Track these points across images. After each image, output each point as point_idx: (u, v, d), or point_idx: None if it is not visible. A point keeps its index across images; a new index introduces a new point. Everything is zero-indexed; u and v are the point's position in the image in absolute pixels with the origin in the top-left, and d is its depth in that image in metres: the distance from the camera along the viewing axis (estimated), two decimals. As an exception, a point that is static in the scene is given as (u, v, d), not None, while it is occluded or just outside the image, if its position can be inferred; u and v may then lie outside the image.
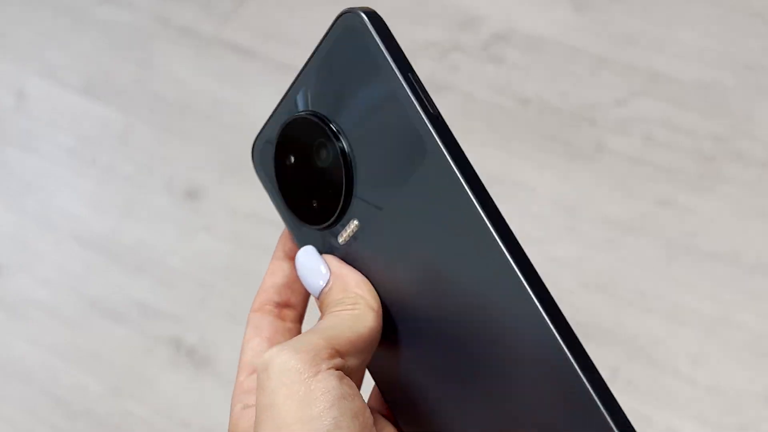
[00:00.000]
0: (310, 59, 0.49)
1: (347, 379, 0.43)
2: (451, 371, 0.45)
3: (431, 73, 1.53)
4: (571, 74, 1.50)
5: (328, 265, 0.49)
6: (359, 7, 0.46)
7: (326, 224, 0.49)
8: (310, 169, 0.49)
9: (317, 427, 0.41)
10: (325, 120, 0.47)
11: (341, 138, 0.47)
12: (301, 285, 0.52)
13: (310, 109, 0.48)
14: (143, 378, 1.32)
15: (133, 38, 1.66)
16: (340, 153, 0.47)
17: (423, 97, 0.44)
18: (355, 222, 0.48)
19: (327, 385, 0.42)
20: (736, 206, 1.33)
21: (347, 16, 0.45)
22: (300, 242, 0.51)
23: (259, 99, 1.54)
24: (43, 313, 1.38)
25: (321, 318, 0.48)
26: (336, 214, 0.48)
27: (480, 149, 1.43)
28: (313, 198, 0.49)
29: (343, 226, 0.48)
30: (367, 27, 0.45)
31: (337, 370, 0.43)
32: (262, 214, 1.39)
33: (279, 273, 0.52)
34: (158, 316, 1.36)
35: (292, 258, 0.52)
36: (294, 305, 0.52)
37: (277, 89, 1.55)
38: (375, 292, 0.47)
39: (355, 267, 0.48)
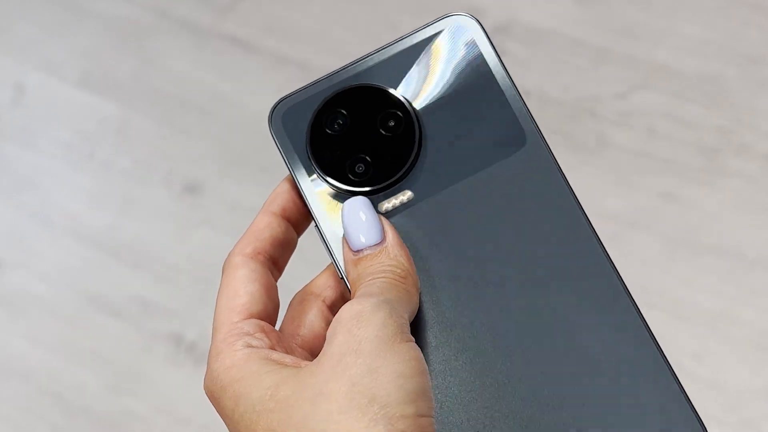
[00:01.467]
0: (397, 40, 0.53)
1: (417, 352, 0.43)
2: (527, 372, 0.46)
3: (431, 66, 1.52)
4: (573, 67, 1.49)
5: (383, 225, 0.47)
6: (468, 13, 0.52)
7: (373, 188, 0.49)
8: (370, 133, 0.50)
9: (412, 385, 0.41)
10: (397, 95, 0.50)
11: (415, 111, 0.49)
12: (289, 251, 0.51)
13: (377, 84, 0.51)
14: (142, 374, 1.31)
15: (132, 32, 1.66)
16: (416, 122, 0.49)
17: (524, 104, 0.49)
18: (409, 193, 0.48)
19: (410, 353, 0.42)
20: (738, 200, 1.33)
21: (458, 17, 0.52)
22: (312, 203, 0.50)
23: (258, 93, 1.54)
24: (41, 310, 1.38)
25: (362, 281, 0.46)
26: (391, 180, 0.49)
27: (481, 143, 1.43)
28: (365, 162, 0.50)
29: (393, 194, 0.49)
30: (478, 28, 0.51)
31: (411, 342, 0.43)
32: (262, 209, 1.39)
33: (276, 228, 0.51)
34: (157, 312, 1.35)
35: (286, 218, 0.51)
36: (279, 268, 0.51)
37: (276, 83, 1.54)
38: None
39: None
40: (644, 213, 1.33)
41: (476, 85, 0.49)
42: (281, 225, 0.51)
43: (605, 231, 1.31)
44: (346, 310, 0.43)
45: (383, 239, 0.47)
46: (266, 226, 0.51)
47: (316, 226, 0.50)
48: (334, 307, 0.50)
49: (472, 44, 0.50)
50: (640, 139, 1.40)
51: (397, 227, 0.48)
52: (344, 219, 0.47)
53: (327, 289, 0.50)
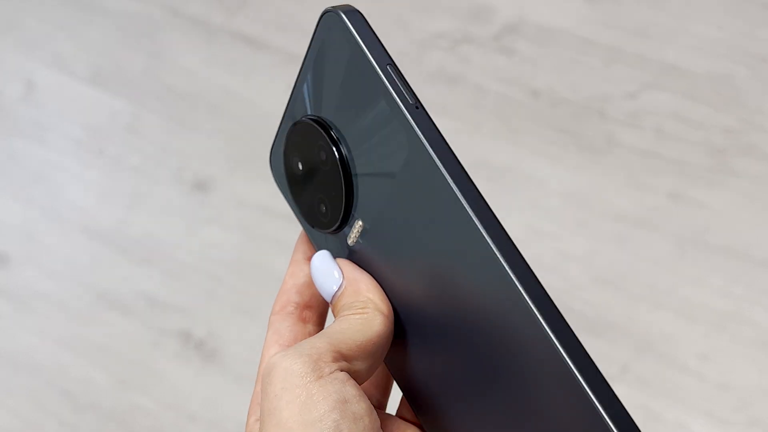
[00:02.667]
0: (303, 63, 0.49)
1: (352, 382, 0.43)
2: (455, 370, 0.45)
3: (442, 64, 1.52)
4: (583, 66, 1.49)
5: (341, 269, 0.49)
6: (339, 6, 0.46)
7: (335, 227, 0.49)
8: (315, 173, 0.49)
9: (318, 430, 0.41)
10: (321, 122, 0.48)
11: (338, 139, 0.47)
12: None
13: (309, 113, 0.49)
14: (151, 371, 1.32)
15: (142, 28, 1.66)
16: (337, 154, 0.47)
17: (402, 88, 0.44)
18: (359, 222, 0.48)
19: (329, 388, 0.42)
20: (747, 200, 1.32)
21: (327, 15, 0.46)
22: (317, 247, 0.52)
23: (269, 90, 1.54)
24: (50, 306, 1.38)
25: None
26: (341, 217, 0.49)
27: (490, 141, 1.43)
28: (320, 202, 0.50)
29: (350, 228, 0.48)
30: (346, 25, 0.45)
31: (343, 372, 0.43)
32: (272, 207, 1.39)
33: (299, 274, 0.52)
34: (166, 308, 1.35)
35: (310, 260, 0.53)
36: (315, 306, 0.52)
37: (287, 80, 1.54)
38: (385, 296, 0.47)
39: (366, 269, 0.48)
40: (653, 213, 1.33)
41: (359, 89, 0.45)
42: (304, 270, 0.52)
43: (613, 230, 1.31)
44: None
45: (341, 280, 0.48)
46: (290, 278, 0.52)
47: None
48: None
49: (344, 45, 0.46)
50: (649, 139, 1.40)
51: (365, 255, 0.48)
52: (313, 276, 0.50)
53: None
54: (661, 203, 1.33)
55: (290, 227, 1.35)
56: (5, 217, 1.48)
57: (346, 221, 0.49)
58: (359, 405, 0.42)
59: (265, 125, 1.49)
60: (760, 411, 1.17)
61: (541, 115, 1.45)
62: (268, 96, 1.53)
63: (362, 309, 0.46)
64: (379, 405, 0.52)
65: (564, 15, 1.55)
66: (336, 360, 0.43)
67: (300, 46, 1.58)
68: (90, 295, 1.38)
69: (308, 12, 1.62)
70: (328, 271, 0.49)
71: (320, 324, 0.52)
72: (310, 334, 0.51)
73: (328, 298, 0.49)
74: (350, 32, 0.45)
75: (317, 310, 0.52)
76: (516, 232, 1.34)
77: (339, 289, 0.48)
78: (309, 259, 0.52)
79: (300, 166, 0.50)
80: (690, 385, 1.20)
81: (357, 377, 0.44)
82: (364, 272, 0.48)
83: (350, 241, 0.49)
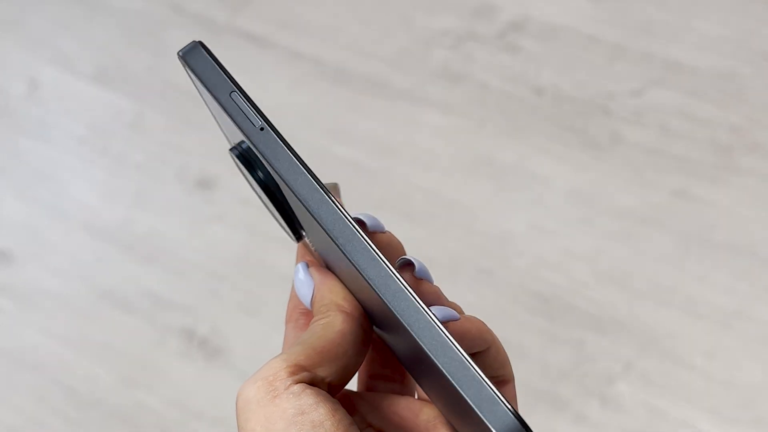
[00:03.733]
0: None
1: (309, 390, 0.43)
2: (406, 352, 0.46)
3: (446, 62, 1.52)
4: (587, 63, 1.49)
5: (311, 277, 0.49)
6: (183, 48, 0.47)
7: (295, 239, 0.51)
8: (259, 196, 0.49)
9: None
10: (240, 150, 0.47)
11: (255, 164, 0.46)
12: None
13: (233, 143, 0.48)
14: (155, 368, 1.32)
15: (146, 26, 1.66)
16: (258, 183, 0.47)
17: (246, 113, 0.44)
18: (303, 231, 0.49)
19: (283, 405, 0.42)
20: (752, 198, 1.32)
21: (180, 60, 0.47)
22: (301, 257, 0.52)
23: (273, 88, 1.54)
24: (55, 303, 1.38)
25: None
26: (291, 233, 0.50)
27: (494, 139, 1.42)
28: (277, 219, 0.50)
29: (306, 236, 0.49)
30: (187, 67, 0.46)
31: (299, 384, 0.43)
32: (275, 204, 1.39)
33: None
34: (170, 306, 1.35)
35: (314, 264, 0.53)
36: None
37: (290, 78, 1.54)
38: (350, 294, 0.47)
39: (333, 270, 0.49)
40: (657, 210, 1.33)
41: (228, 123, 0.46)
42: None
43: (618, 228, 1.31)
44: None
45: (313, 288, 0.49)
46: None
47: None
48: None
49: (198, 84, 0.46)
50: (654, 137, 1.39)
51: (326, 260, 0.49)
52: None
53: None
54: (665, 201, 1.33)
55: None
56: (9, 214, 1.48)
57: (296, 233, 0.49)
58: (318, 412, 0.42)
59: (269, 123, 1.49)
60: (764, 409, 1.17)
61: (545, 113, 1.44)
62: (272, 94, 1.53)
63: (325, 313, 0.47)
64: (400, 390, 0.52)
65: (568, 12, 1.55)
66: (293, 373, 0.43)
67: (304, 43, 1.58)
68: (94, 293, 1.38)
69: (310, 9, 1.62)
70: (304, 281, 0.49)
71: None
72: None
73: (309, 308, 0.49)
74: (192, 74, 0.46)
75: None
76: (520, 229, 1.33)
77: (312, 296, 0.49)
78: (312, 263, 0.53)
79: (252, 190, 0.50)
80: (695, 382, 1.19)
81: (326, 383, 0.45)
82: (329, 274, 0.49)
83: (312, 247, 0.49)
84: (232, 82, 0.45)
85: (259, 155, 0.43)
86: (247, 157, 0.46)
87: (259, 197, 0.50)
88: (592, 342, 1.23)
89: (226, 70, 0.45)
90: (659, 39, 1.50)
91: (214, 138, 1.51)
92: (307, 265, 0.50)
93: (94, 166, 1.51)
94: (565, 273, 1.29)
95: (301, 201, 0.42)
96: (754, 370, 1.19)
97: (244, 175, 0.48)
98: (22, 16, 1.71)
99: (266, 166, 0.43)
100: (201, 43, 0.46)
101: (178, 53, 0.46)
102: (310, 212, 0.42)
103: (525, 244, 1.32)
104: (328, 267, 0.49)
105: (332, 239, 0.42)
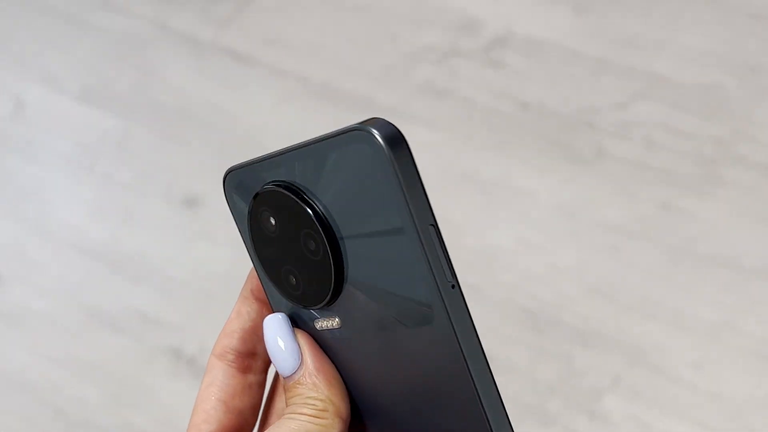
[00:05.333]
0: (314, 144, 0.41)
1: None
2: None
3: (431, 77, 1.52)
4: (572, 78, 1.50)
5: (300, 350, 0.45)
6: (377, 124, 0.38)
7: (300, 305, 0.45)
8: (296, 249, 0.43)
9: None
10: (322, 217, 0.42)
11: (335, 240, 0.42)
12: (259, 335, 0.49)
13: (313, 197, 0.42)
14: (143, 388, 1.31)
15: (132, 45, 1.66)
16: (330, 255, 0.42)
17: (442, 261, 0.39)
18: (336, 320, 0.44)
19: None
20: (737, 210, 1.33)
21: (362, 134, 0.38)
22: (271, 300, 0.47)
23: (258, 105, 1.54)
24: (42, 323, 1.38)
25: (286, 407, 0.44)
26: (314, 306, 0.44)
27: (480, 154, 1.43)
28: (290, 274, 0.45)
29: (325, 316, 0.44)
30: (385, 157, 0.38)
31: None
32: (262, 222, 1.39)
33: (245, 315, 0.48)
34: (158, 325, 1.35)
35: (259, 299, 0.48)
36: (260, 353, 0.48)
37: (275, 95, 1.54)
38: (346, 393, 0.45)
39: (328, 352, 0.45)
40: (643, 223, 1.33)
41: (385, 228, 0.39)
42: (252, 310, 0.48)
43: (604, 242, 1.31)
44: None
45: (300, 366, 0.44)
46: (236, 316, 0.48)
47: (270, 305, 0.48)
48: None
49: (380, 181, 0.39)
50: (639, 150, 1.40)
51: (329, 344, 0.45)
52: (265, 341, 0.46)
53: None
54: (651, 214, 1.34)
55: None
56: (-4, 235, 1.48)
57: (321, 310, 0.44)
58: None
59: (254, 140, 1.49)
60: (752, 421, 1.17)
61: (530, 127, 1.45)
62: (257, 111, 1.53)
63: (321, 411, 0.43)
64: None
65: (552, 27, 1.55)
66: None
67: (289, 60, 1.58)
68: (82, 313, 1.38)
69: (296, 27, 1.63)
70: (287, 346, 0.45)
71: (264, 371, 0.48)
72: (250, 387, 0.48)
73: (282, 374, 0.45)
74: (390, 173, 0.38)
75: (262, 357, 0.48)
76: (506, 244, 1.34)
77: (295, 373, 0.44)
78: (258, 297, 0.48)
79: (273, 228, 0.44)
80: (682, 395, 1.20)
81: None
82: (326, 360, 0.45)
83: (322, 324, 0.45)
84: (430, 210, 0.39)
85: (442, 311, 0.39)
86: (327, 224, 0.41)
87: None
88: (579, 356, 1.23)
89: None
90: (643, 52, 1.50)
91: (200, 156, 1.51)
92: (291, 325, 0.46)
93: (80, 185, 1.51)
94: (551, 287, 1.29)
95: (471, 372, 0.40)
96: (741, 382, 1.20)
97: (268, 206, 0.43)
98: (8, 36, 1.71)
99: (447, 326, 0.39)
100: (404, 139, 0.38)
101: (366, 130, 0.38)
102: (473, 381, 0.40)
103: (511, 259, 1.32)
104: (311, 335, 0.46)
105: (477, 393, 0.40)
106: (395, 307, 0.41)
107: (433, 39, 1.57)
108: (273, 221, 0.44)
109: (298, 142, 0.42)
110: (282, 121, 1.51)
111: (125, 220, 1.46)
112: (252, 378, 0.48)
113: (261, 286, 0.48)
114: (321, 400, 0.43)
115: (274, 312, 0.47)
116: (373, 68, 1.56)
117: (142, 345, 1.34)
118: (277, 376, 0.48)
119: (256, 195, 0.44)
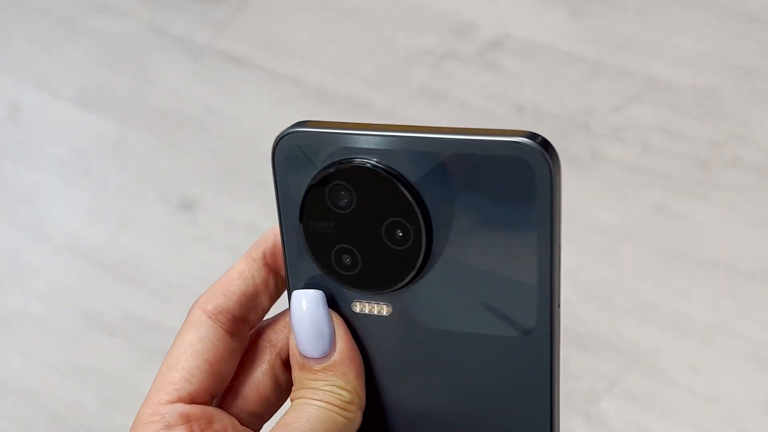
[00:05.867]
0: (448, 139, 0.40)
1: None
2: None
3: (426, 81, 1.52)
4: (567, 81, 1.50)
5: (334, 337, 0.42)
6: (540, 140, 0.40)
7: (346, 285, 0.43)
8: (372, 231, 0.41)
9: None
10: (428, 211, 0.41)
11: (430, 231, 0.41)
12: (267, 302, 0.45)
13: (409, 179, 0.40)
14: (140, 392, 1.31)
15: (127, 48, 1.66)
16: (424, 246, 0.41)
17: (559, 281, 0.42)
18: (387, 309, 0.43)
19: None
20: (733, 213, 1.33)
21: (525, 148, 0.40)
22: (295, 272, 0.44)
23: (254, 108, 1.54)
24: (38, 327, 1.38)
25: (299, 392, 0.42)
26: (375, 291, 0.42)
27: (476, 157, 1.43)
28: (346, 253, 0.42)
29: (369, 300, 0.43)
30: (548, 179, 0.40)
31: None
32: (259, 225, 1.39)
33: (249, 279, 0.45)
34: (154, 328, 1.35)
35: (269, 265, 0.45)
36: (250, 322, 0.45)
37: (271, 98, 1.54)
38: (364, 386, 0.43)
39: (359, 343, 0.43)
40: (639, 227, 1.33)
41: (510, 232, 0.40)
42: (258, 275, 0.45)
43: (600, 245, 1.31)
44: None
45: (331, 352, 0.42)
46: (238, 277, 0.45)
47: (287, 277, 0.45)
48: (288, 363, 0.45)
49: (526, 181, 0.40)
50: (634, 153, 1.40)
51: (363, 330, 0.43)
52: (292, 316, 0.43)
53: (284, 339, 0.45)
54: (647, 216, 1.34)
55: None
56: (-8, 239, 1.48)
57: (369, 294, 0.43)
58: None
59: (250, 143, 1.49)
60: (749, 424, 1.17)
61: (526, 130, 1.45)
62: (253, 114, 1.53)
63: (348, 404, 0.41)
64: None
65: (547, 30, 1.55)
66: None
67: (285, 64, 1.58)
68: (78, 317, 1.38)
69: (292, 30, 1.63)
70: (320, 327, 0.42)
71: (246, 339, 0.45)
72: (235, 353, 0.44)
73: (303, 352, 0.42)
74: (546, 192, 0.40)
75: (251, 324, 0.45)
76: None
77: (325, 357, 0.42)
78: (267, 263, 0.45)
79: (346, 205, 0.42)
80: (679, 398, 1.20)
81: None
82: (356, 349, 0.43)
83: (360, 307, 0.43)
84: (559, 227, 0.42)
85: (546, 328, 0.42)
86: (425, 205, 0.41)
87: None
88: (575, 360, 1.23)
89: None
90: (638, 55, 1.50)
91: (196, 159, 1.51)
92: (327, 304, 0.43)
93: (76, 189, 1.51)
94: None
95: (552, 390, 0.43)
96: (737, 385, 1.20)
97: (345, 181, 0.41)
98: (3, 39, 1.71)
99: (546, 343, 0.42)
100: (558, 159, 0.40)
101: (535, 147, 0.40)
102: (551, 398, 0.43)
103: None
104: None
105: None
106: (484, 313, 0.41)
107: (428, 42, 1.57)
108: (350, 198, 0.41)
109: (399, 124, 0.41)
110: (278, 124, 1.50)
111: (121, 223, 1.46)
112: (236, 344, 0.44)
113: (277, 252, 0.45)
114: (348, 391, 0.42)
115: (291, 283, 0.44)
116: (369, 71, 1.56)
117: (138, 349, 1.34)
118: (255, 342, 0.46)
119: (340, 166, 0.41)
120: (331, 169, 0.41)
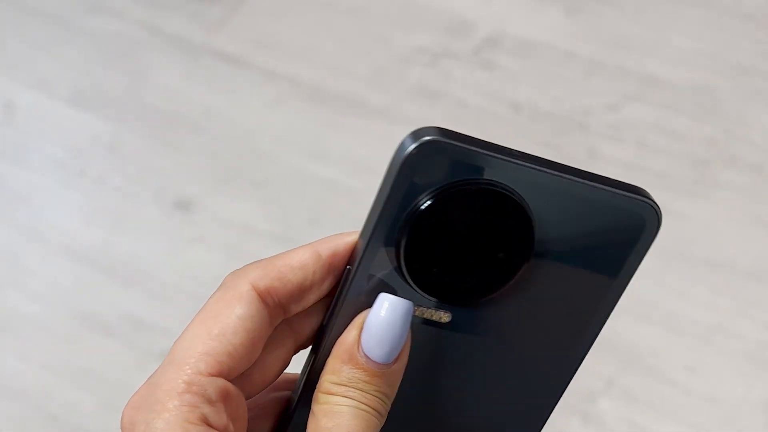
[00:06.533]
0: (584, 176, 0.43)
1: None
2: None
3: (423, 79, 1.52)
4: (564, 79, 1.49)
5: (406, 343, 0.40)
6: (655, 201, 0.43)
7: (426, 296, 0.42)
8: (474, 247, 0.41)
9: None
10: (534, 232, 0.42)
11: (528, 259, 0.42)
12: (312, 300, 0.42)
13: (535, 212, 0.42)
14: (136, 393, 1.31)
15: (123, 48, 1.65)
16: (515, 273, 0.42)
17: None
18: (447, 318, 0.42)
19: None
20: (731, 212, 1.33)
21: (649, 209, 0.43)
22: (366, 261, 0.41)
23: (250, 108, 1.54)
24: (34, 328, 1.37)
25: (340, 386, 0.40)
26: (443, 300, 0.42)
27: (473, 157, 1.43)
28: (444, 266, 0.41)
29: (433, 307, 0.42)
30: (652, 236, 0.44)
31: None
32: (255, 226, 1.39)
33: (309, 274, 0.41)
34: (150, 329, 1.35)
35: (332, 265, 0.42)
36: (289, 313, 0.42)
37: (268, 98, 1.54)
38: None
39: None
40: (637, 225, 1.33)
41: (598, 283, 0.44)
42: (319, 273, 0.42)
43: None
44: None
45: (395, 361, 0.40)
46: (300, 267, 0.42)
47: (347, 276, 0.42)
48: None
49: (634, 237, 0.44)
50: (632, 152, 1.40)
51: (413, 335, 0.42)
52: (374, 317, 0.40)
53: (308, 329, 0.43)
54: (644, 216, 1.33)
55: (273, 246, 1.34)
56: (-13, 239, 1.47)
57: (438, 303, 0.42)
58: None
59: (247, 143, 1.49)
60: (746, 424, 1.17)
61: (522, 129, 1.45)
62: (249, 113, 1.52)
63: (385, 411, 0.40)
64: None
65: (544, 28, 1.55)
66: None
67: (280, 63, 1.57)
68: (73, 318, 1.37)
69: (289, 29, 1.62)
70: (396, 342, 0.40)
71: (274, 326, 0.42)
72: (267, 338, 0.42)
73: (365, 351, 0.40)
74: (646, 246, 0.45)
75: (287, 315, 0.42)
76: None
77: (385, 366, 0.40)
78: (331, 264, 0.42)
79: (462, 220, 0.41)
80: (677, 398, 1.20)
81: None
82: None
83: (418, 310, 0.42)
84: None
85: (587, 345, 0.48)
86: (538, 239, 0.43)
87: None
88: (573, 359, 1.23)
89: None
90: (635, 53, 1.50)
91: (192, 159, 1.51)
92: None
93: (72, 190, 1.50)
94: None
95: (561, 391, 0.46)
96: (736, 385, 1.20)
97: (471, 211, 0.41)
98: (-2, 39, 1.70)
99: (580, 356, 0.47)
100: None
101: (658, 209, 0.44)
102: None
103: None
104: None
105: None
106: (537, 339, 0.45)
107: (424, 41, 1.57)
108: (471, 216, 0.41)
109: (542, 158, 0.43)
110: (274, 124, 1.51)
111: (117, 224, 1.45)
112: (270, 330, 0.42)
113: (346, 256, 0.42)
114: (389, 397, 0.40)
115: (360, 268, 0.41)
116: (365, 70, 1.55)
117: (135, 350, 1.34)
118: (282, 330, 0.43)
119: (482, 186, 0.41)
120: (467, 186, 0.41)
